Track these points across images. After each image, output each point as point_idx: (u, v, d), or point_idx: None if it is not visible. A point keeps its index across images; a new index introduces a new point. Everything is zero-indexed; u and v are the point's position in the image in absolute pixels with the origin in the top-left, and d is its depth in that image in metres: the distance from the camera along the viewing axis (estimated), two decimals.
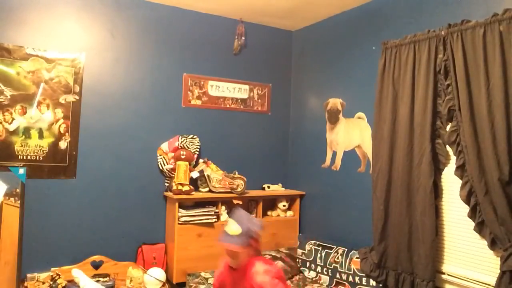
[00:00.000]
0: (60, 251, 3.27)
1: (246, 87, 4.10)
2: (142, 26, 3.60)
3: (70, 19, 3.33)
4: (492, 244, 2.40)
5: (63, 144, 3.29)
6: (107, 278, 3.18)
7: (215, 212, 3.56)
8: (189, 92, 3.81)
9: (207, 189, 3.70)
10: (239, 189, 3.71)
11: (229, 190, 3.69)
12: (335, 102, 3.72)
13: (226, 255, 2.14)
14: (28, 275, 3.08)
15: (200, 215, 3.48)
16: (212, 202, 3.61)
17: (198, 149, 3.77)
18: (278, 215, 4.00)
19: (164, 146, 3.66)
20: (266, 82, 4.21)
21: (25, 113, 3.15)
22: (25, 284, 3.04)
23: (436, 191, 2.75)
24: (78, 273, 3.04)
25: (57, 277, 3.03)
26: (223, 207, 3.65)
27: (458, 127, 2.55)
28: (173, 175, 3.60)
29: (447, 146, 2.69)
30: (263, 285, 2.03)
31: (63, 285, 2.98)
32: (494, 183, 2.32)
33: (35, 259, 3.16)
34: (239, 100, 4.06)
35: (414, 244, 2.81)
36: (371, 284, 3.02)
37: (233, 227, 2.10)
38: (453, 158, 2.67)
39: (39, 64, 3.20)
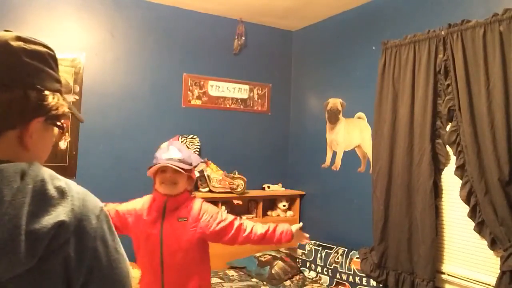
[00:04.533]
0: None
1: (246, 87, 4.10)
2: (142, 26, 3.60)
3: (70, 19, 3.33)
4: (492, 244, 2.40)
5: (63, 144, 3.29)
6: None
7: None
8: (189, 92, 3.81)
9: (207, 189, 3.70)
10: (239, 189, 3.71)
11: (229, 190, 3.69)
12: (335, 102, 3.72)
13: (161, 182, 1.88)
14: None
15: None
16: (212, 202, 3.57)
17: (198, 149, 3.76)
18: (278, 215, 4.00)
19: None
20: (266, 82, 4.21)
21: None
22: None
23: (436, 191, 2.75)
24: None
25: None
26: (223, 207, 3.65)
27: (458, 127, 2.55)
28: None
29: (447, 146, 2.69)
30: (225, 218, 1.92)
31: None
32: (494, 183, 2.32)
33: None
34: (239, 100, 4.06)
35: (414, 244, 2.81)
36: (371, 284, 3.02)
37: (175, 151, 1.90)
38: (453, 158, 2.67)
39: None
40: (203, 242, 1.94)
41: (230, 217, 1.96)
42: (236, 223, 1.94)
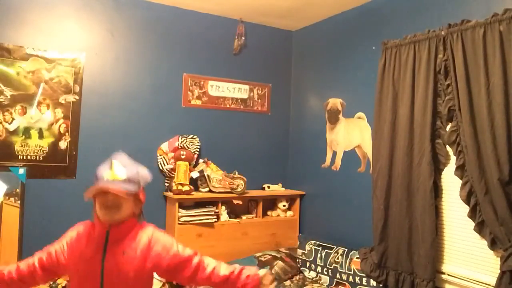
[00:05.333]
0: None
1: (246, 87, 4.10)
2: (142, 26, 3.60)
3: (70, 19, 3.33)
4: (492, 244, 2.40)
5: (63, 144, 3.29)
6: None
7: (215, 212, 3.56)
8: (189, 92, 3.81)
9: (207, 189, 3.70)
10: (239, 189, 3.71)
11: (229, 190, 3.69)
12: (335, 102, 3.72)
13: (101, 207, 1.55)
14: None
15: (200, 215, 3.48)
16: (212, 202, 3.61)
17: (198, 149, 3.77)
18: (278, 215, 4.00)
19: (164, 146, 3.66)
20: (266, 82, 4.21)
21: (25, 113, 3.16)
22: None
23: (436, 191, 2.75)
24: None
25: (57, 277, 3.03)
26: (223, 207, 3.65)
27: (458, 127, 2.55)
28: (173, 175, 3.60)
29: (447, 146, 2.69)
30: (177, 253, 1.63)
31: (63, 285, 2.98)
32: (494, 183, 2.32)
33: None
34: (239, 100, 4.06)
35: (414, 244, 2.81)
36: (371, 284, 3.02)
37: (119, 169, 1.56)
38: (453, 158, 2.67)
39: (39, 64, 3.20)
40: (151, 278, 1.63)
41: (189, 251, 1.66)
42: (196, 259, 1.64)
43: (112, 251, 1.56)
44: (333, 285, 3.25)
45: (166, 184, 3.67)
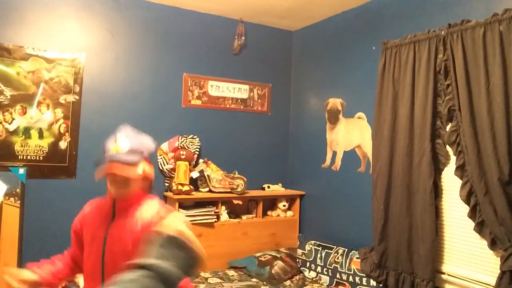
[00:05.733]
0: (61, 251, 3.24)
1: (246, 87, 4.10)
2: (142, 26, 3.60)
3: (70, 19, 3.33)
4: (492, 244, 2.40)
5: (63, 144, 3.29)
6: None
7: (215, 212, 3.56)
8: (189, 92, 3.81)
9: (207, 189, 3.70)
10: (239, 189, 3.71)
11: (229, 190, 3.69)
12: (335, 102, 3.72)
13: (111, 184, 1.63)
14: None
15: (200, 215, 3.48)
16: (212, 202, 3.61)
17: (198, 149, 3.77)
18: (278, 215, 4.00)
19: (164, 146, 3.66)
20: (266, 82, 4.21)
21: (25, 113, 3.15)
22: None
23: (436, 191, 2.75)
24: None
25: None
26: (223, 207, 3.65)
27: (458, 127, 2.55)
28: (173, 175, 3.60)
29: (447, 146, 2.69)
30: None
31: (63, 285, 2.98)
32: (494, 183, 2.32)
33: (35, 259, 3.15)
34: (239, 100, 4.06)
35: (414, 244, 2.81)
36: (371, 284, 3.02)
37: (122, 142, 1.63)
38: (453, 158, 2.67)
39: (39, 64, 3.20)
40: None
41: None
42: None
43: (118, 218, 1.65)
44: (333, 285, 3.25)
45: (166, 184, 3.67)
